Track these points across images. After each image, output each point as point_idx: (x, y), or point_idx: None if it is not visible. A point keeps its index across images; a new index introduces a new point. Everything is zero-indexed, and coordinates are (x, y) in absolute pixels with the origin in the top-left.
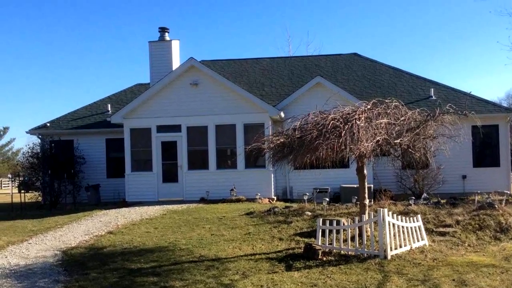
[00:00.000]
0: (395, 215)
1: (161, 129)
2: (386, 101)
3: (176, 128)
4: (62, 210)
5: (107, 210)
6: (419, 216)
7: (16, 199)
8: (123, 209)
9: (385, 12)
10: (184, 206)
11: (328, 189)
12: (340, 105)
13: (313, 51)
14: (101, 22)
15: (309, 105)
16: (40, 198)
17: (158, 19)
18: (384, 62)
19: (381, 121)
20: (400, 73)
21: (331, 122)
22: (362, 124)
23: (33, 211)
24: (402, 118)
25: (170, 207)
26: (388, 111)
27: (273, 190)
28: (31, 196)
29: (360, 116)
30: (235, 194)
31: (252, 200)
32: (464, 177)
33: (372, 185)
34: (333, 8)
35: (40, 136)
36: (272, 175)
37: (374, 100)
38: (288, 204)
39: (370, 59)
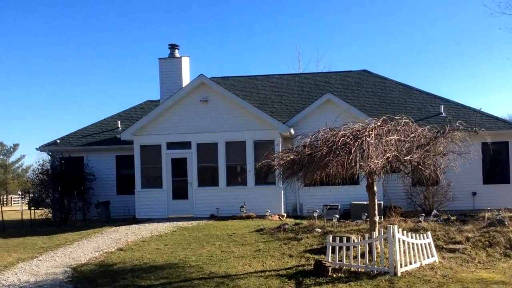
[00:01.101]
0: (405, 232)
1: (171, 146)
2: (396, 118)
3: (186, 145)
4: (72, 227)
5: (117, 227)
6: (429, 233)
7: (26, 216)
8: (133, 225)
9: (395, 29)
10: (194, 223)
11: (338, 206)
12: (350, 122)
13: (323, 68)
14: (111, 39)
15: (319, 122)
16: (50, 215)
17: (168, 36)
18: (394, 78)
19: (391, 138)
20: (410, 90)
21: (341, 139)
22: (372, 141)
23: (43, 227)
24: (412, 135)
25: (180, 224)
26: (398, 128)
27: (283, 207)
28: (41, 213)
29: (370, 133)
30: (245, 211)
31: (262, 217)
32: (474, 194)
33: (382, 202)
34: (343, 25)
35: (50, 153)
36: (282, 192)
37: (384, 117)
38: (298, 221)
39: (380, 75)
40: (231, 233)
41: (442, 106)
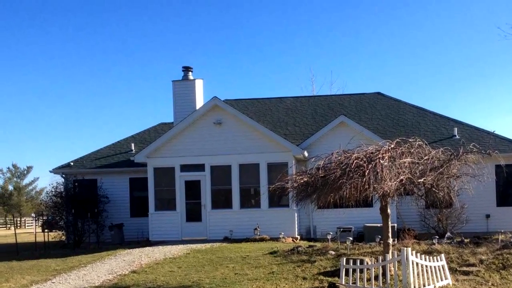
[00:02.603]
0: (418, 254)
1: (185, 168)
2: (410, 140)
3: (200, 168)
4: (86, 249)
5: (131, 249)
6: (442, 255)
7: (40, 238)
8: (147, 248)
9: (408, 51)
10: (208, 245)
11: (351, 228)
12: (364, 144)
13: (337, 90)
14: (125, 62)
15: (333, 144)
16: (63, 237)
17: (181, 58)
18: (407, 101)
19: (405, 160)
20: (424, 112)
21: (355, 161)
22: (385, 163)
23: (56, 250)
24: (426, 157)
25: (193, 246)
26: (412, 150)
27: (296, 229)
28: (54, 235)
29: (384, 155)
30: (258, 233)
31: (276, 239)
32: (487, 216)
33: (395, 224)
34: (356, 47)
35: (63, 175)
36: (296, 214)
37: (398, 139)
38: (311, 243)
39: (394, 98)
40: (244, 256)
41: (456, 129)
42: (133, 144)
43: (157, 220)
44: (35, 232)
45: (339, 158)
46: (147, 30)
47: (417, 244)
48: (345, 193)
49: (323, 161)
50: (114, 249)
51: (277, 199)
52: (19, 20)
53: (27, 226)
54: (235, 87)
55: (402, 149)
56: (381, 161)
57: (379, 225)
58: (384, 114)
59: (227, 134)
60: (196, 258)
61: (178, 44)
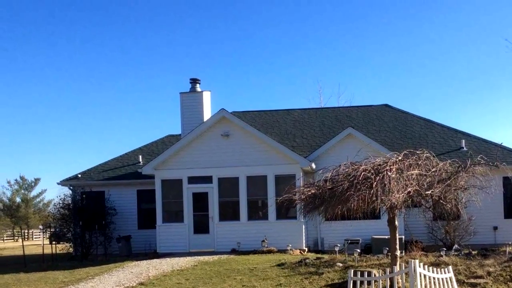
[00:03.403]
0: (426, 266)
1: (192, 180)
2: (417, 152)
3: (207, 180)
4: (94, 261)
5: (138, 261)
6: (450, 267)
7: (47, 250)
8: (154, 260)
9: (416, 63)
10: (215, 257)
11: (359, 240)
12: (372, 156)
13: (344, 102)
14: (132, 73)
15: (340, 156)
16: (71, 249)
17: (189, 70)
18: (415, 113)
19: (413, 172)
20: (431, 124)
21: (363, 173)
22: (393, 175)
23: (64, 262)
24: (434, 169)
25: (201, 258)
26: (419, 162)
27: (304, 241)
28: (62, 247)
29: (392, 167)
30: (266, 245)
31: (284, 251)
32: (495, 228)
33: (403, 236)
34: (364, 59)
35: (71, 187)
36: (303, 226)
37: (406, 151)
38: (319, 255)
39: (401, 110)
40: (252, 268)
41: (463, 141)
42: (140, 156)
43: (164, 232)
44: (43, 244)
45: (347, 170)
46: (154, 42)
47: (424, 256)
48: (352, 205)
49: (330, 173)
50: (122, 261)
51: (285, 211)
52: (26, 32)
53: (35, 238)
54: (242, 99)
55: (409, 161)
56: (389, 173)
57: (386, 237)
58: (392, 126)
59: (234, 146)
60: (203, 270)
61: (186, 56)
